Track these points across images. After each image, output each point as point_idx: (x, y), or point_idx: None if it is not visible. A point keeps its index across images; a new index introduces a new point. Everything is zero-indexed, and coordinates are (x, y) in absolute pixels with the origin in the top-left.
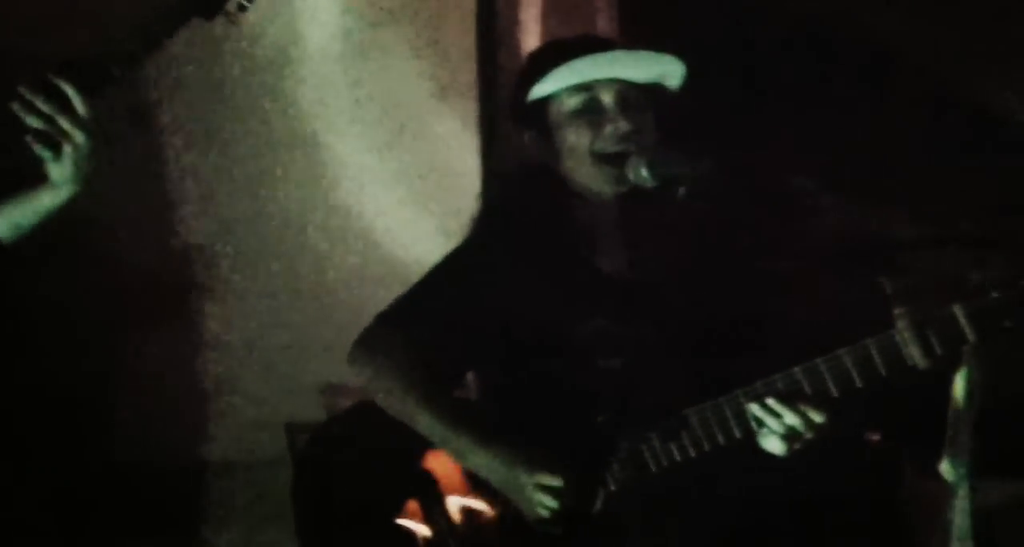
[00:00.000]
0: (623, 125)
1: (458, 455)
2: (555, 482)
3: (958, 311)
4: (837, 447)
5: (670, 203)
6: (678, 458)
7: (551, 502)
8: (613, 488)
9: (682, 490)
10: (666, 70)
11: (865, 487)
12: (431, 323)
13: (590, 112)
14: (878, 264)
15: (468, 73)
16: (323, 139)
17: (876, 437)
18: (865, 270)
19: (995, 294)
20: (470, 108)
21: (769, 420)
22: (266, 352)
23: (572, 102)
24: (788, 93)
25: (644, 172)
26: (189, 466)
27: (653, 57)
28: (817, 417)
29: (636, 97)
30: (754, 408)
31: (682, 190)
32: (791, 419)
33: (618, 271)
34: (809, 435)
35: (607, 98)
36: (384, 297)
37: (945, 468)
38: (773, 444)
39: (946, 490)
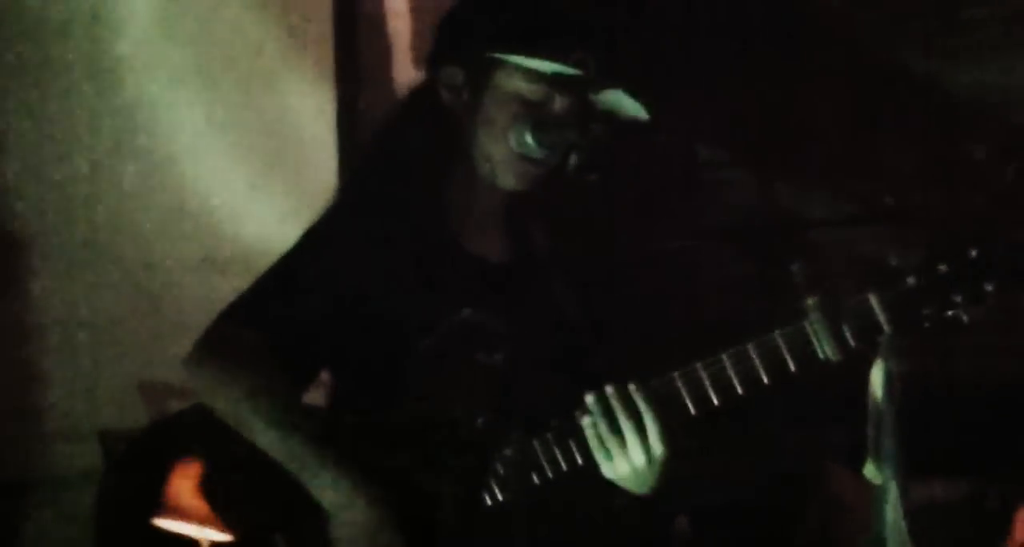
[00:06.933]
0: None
1: (305, 478)
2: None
3: (873, 299)
4: (749, 449)
5: (556, 175)
6: (564, 467)
7: None
8: (495, 500)
9: (571, 505)
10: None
11: (781, 492)
12: (284, 318)
13: (537, 109)
14: (789, 244)
15: (323, 19)
16: (140, 98)
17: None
18: (775, 251)
19: (912, 280)
20: (325, 61)
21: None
22: (76, 348)
23: (527, 87)
24: (692, 55)
25: (528, 139)
26: None
27: (634, 100)
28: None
29: (583, 111)
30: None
31: (573, 159)
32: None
33: (492, 252)
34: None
35: (560, 105)
36: (225, 287)
37: (870, 471)
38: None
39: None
